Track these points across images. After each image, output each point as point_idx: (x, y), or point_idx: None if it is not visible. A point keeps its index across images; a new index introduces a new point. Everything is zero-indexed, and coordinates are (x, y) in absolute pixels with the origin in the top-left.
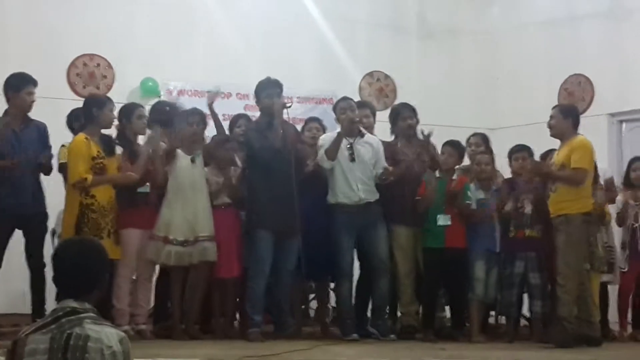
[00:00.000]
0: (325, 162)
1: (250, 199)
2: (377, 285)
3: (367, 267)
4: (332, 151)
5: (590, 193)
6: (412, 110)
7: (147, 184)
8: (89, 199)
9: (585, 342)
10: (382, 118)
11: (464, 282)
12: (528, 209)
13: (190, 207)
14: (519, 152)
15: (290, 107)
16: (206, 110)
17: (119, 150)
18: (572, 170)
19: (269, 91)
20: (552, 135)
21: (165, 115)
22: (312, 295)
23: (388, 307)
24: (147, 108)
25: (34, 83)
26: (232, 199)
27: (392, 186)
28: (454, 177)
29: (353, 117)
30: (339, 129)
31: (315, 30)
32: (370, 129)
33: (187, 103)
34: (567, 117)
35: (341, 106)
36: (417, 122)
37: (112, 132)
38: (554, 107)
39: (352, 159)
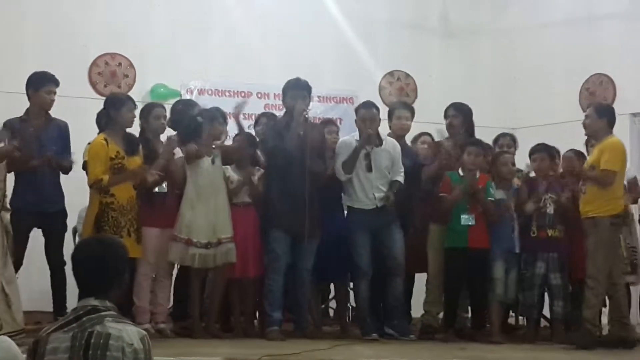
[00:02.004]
0: (341, 176)
1: (267, 198)
2: (392, 285)
3: (382, 267)
4: (349, 166)
5: (621, 194)
6: (455, 109)
7: (164, 184)
8: (108, 198)
9: (619, 344)
10: None
11: (485, 283)
12: (550, 209)
13: (211, 208)
14: (539, 152)
15: (307, 114)
16: (225, 109)
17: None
18: (600, 171)
19: (294, 92)
20: (586, 135)
21: (182, 116)
22: (332, 295)
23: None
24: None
25: (55, 82)
26: (253, 197)
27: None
28: (477, 176)
29: (371, 134)
30: (356, 134)
31: (336, 29)
32: (406, 131)
33: (207, 102)
34: (601, 116)
35: (362, 115)
36: (464, 122)
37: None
38: (589, 106)
39: (369, 169)
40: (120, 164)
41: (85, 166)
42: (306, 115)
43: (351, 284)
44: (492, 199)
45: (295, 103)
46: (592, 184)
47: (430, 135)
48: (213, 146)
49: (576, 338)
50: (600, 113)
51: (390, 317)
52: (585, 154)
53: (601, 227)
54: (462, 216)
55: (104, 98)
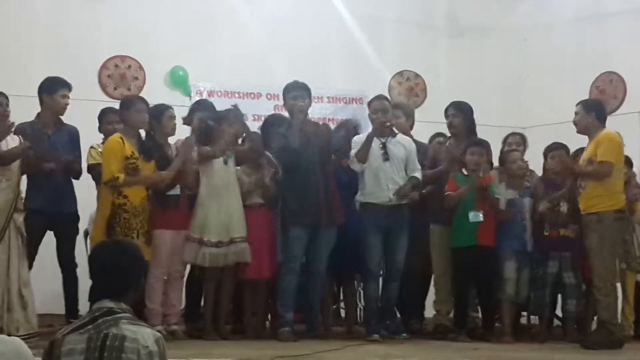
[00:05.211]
0: (355, 165)
1: (283, 198)
2: (387, 287)
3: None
4: (363, 154)
5: (622, 189)
6: (455, 108)
7: (178, 186)
8: (121, 199)
9: (603, 347)
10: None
11: (495, 282)
12: (563, 208)
13: (224, 208)
14: (556, 149)
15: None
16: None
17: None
18: (597, 164)
19: (293, 93)
20: (578, 132)
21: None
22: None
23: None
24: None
25: (68, 87)
26: (265, 198)
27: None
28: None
29: (384, 121)
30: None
31: (345, 30)
32: (404, 131)
33: (217, 104)
34: (589, 111)
35: (373, 106)
36: (464, 121)
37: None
38: (577, 103)
39: (386, 159)
40: (135, 165)
41: (90, 169)
42: (305, 110)
43: (361, 284)
44: (498, 196)
45: (294, 103)
46: (590, 179)
47: (444, 135)
48: (227, 148)
49: (599, 340)
50: (588, 108)
51: (383, 318)
52: None
53: (606, 222)
54: (470, 213)
55: (114, 100)
